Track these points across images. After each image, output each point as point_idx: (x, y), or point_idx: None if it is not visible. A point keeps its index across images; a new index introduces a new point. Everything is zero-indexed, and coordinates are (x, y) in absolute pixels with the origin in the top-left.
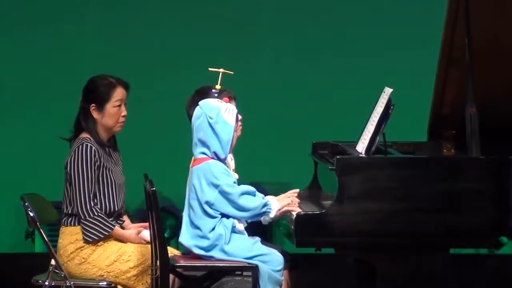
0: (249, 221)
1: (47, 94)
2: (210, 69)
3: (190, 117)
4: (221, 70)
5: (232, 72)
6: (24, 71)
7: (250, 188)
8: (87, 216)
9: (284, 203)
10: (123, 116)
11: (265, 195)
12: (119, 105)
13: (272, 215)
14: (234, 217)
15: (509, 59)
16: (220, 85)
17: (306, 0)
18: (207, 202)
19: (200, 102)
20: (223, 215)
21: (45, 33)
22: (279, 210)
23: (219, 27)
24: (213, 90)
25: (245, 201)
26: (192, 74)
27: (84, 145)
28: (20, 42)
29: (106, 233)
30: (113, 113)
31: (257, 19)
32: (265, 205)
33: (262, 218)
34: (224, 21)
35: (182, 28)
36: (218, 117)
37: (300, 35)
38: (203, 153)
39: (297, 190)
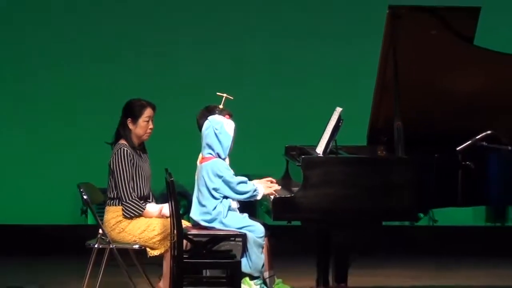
0: (242, 200)
1: (97, 109)
2: (218, 94)
3: (199, 124)
4: (225, 95)
5: (232, 98)
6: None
7: (244, 178)
8: (127, 198)
9: (269, 191)
10: (150, 129)
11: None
12: (148, 121)
13: (259, 197)
14: (233, 199)
15: (423, 89)
16: (222, 105)
17: (280, 16)
18: (214, 189)
19: (209, 117)
20: (223, 198)
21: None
22: (264, 194)
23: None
24: (217, 109)
25: (241, 188)
26: (199, 95)
27: (122, 149)
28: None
29: (140, 212)
30: (143, 126)
31: (247, 48)
32: (255, 190)
33: (252, 198)
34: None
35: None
36: (221, 129)
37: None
38: (210, 153)
39: (274, 180)
